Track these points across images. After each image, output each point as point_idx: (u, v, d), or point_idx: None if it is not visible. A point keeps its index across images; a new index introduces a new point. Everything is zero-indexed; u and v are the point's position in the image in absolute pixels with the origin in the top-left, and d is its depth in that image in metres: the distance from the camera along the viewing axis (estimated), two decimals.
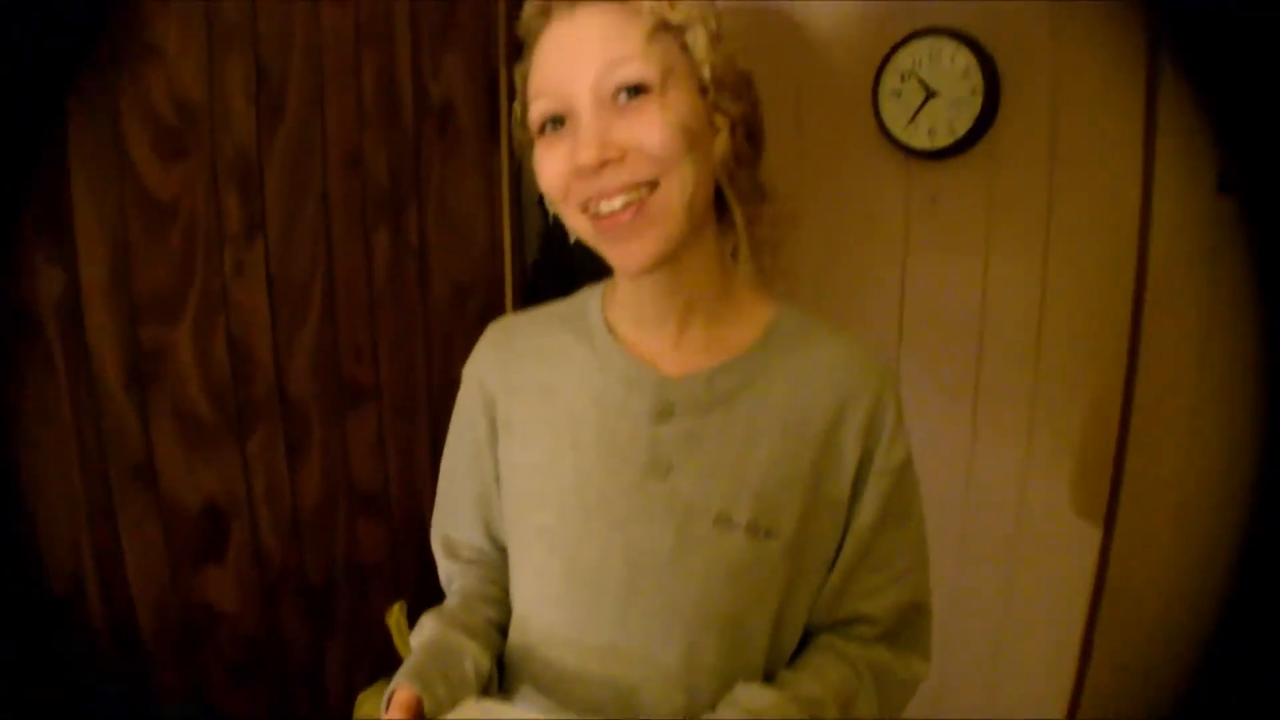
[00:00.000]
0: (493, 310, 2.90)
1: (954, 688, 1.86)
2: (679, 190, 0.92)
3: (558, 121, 0.94)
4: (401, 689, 0.98)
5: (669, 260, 0.96)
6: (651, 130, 0.89)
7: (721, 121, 0.96)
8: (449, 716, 0.98)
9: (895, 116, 1.81)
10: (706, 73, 0.94)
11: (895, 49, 1.80)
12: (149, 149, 2.15)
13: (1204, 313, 1.54)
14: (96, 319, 2.11)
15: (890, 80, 1.81)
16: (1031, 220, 1.71)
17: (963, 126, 1.72)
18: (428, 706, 0.97)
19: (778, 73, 2.06)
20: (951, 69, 1.73)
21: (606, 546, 1.03)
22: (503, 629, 1.18)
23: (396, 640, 2.59)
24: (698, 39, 0.93)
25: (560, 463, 1.08)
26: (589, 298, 1.17)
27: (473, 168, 2.79)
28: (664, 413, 1.02)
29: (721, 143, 0.96)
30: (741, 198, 1.03)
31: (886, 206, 1.88)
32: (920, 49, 1.77)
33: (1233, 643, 1.43)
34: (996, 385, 1.80)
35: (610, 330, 1.10)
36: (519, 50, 1.04)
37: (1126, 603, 1.68)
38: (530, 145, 1.01)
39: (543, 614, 1.10)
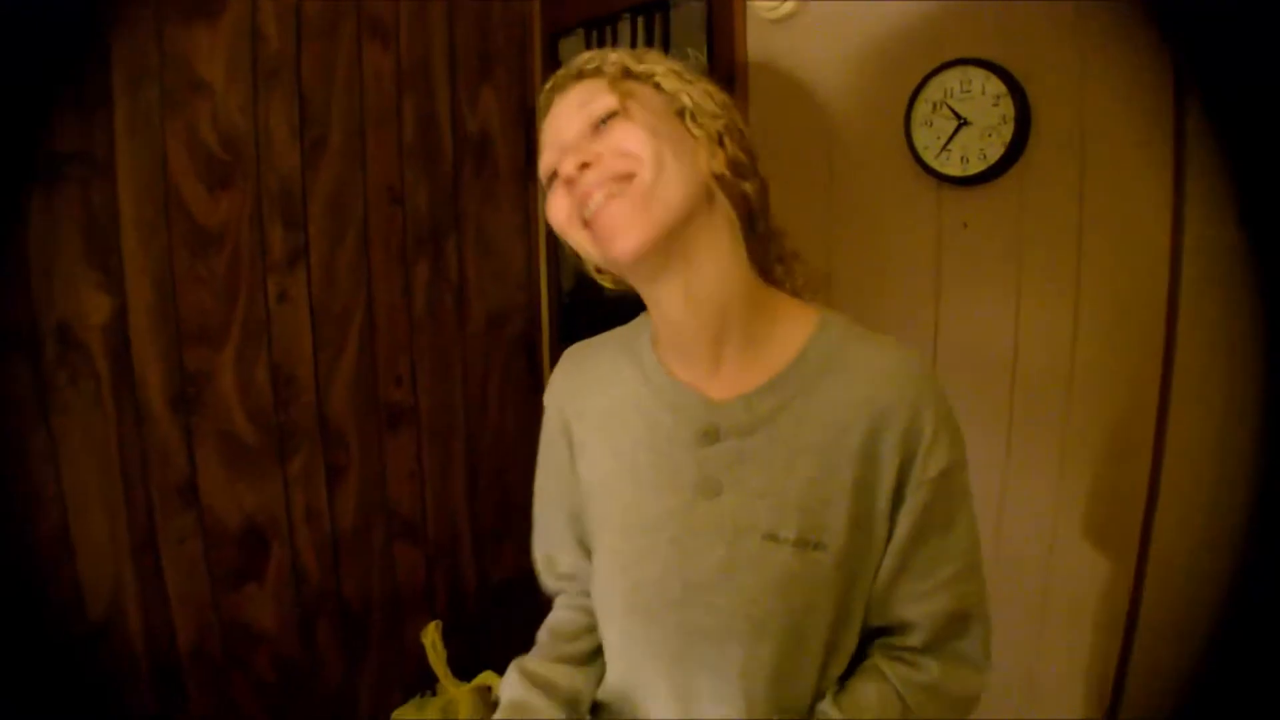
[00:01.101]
0: (528, 339, 2.95)
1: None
2: (652, 176, 0.98)
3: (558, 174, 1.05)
4: None
5: (662, 251, 1.02)
6: (618, 135, 1.00)
7: (699, 132, 1.04)
8: None
9: (927, 144, 1.82)
10: (681, 100, 1.05)
11: (927, 79, 1.82)
12: (195, 179, 2.23)
13: (1236, 338, 1.53)
14: (142, 343, 2.18)
15: (922, 109, 1.83)
16: (1062, 245, 1.71)
17: (994, 154, 1.73)
18: None
19: (811, 101, 2.09)
20: (982, 98, 1.74)
21: (665, 565, 1.08)
22: (597, 652, 1.27)
23: (431, 659, 2.61)
24: (667, 79, 1.06)
25: (620, 485, 1.16)
26: (643, 326, 1.23)
27: (509, 200, 2.85)
28: (709, 436, 1.08)
29: (704, 150, 1.04)
30: (745, 207, 1.10)
31: (919, 232, 1.89)
32: (951, 79, 1.78)
33: (1269, 674, 1.42)
34: (1029, 412, 1.79)
35: (658, 358, 1.17)
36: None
37: (1160, 634, 1.67)
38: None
39: (612, 629, 1.18)
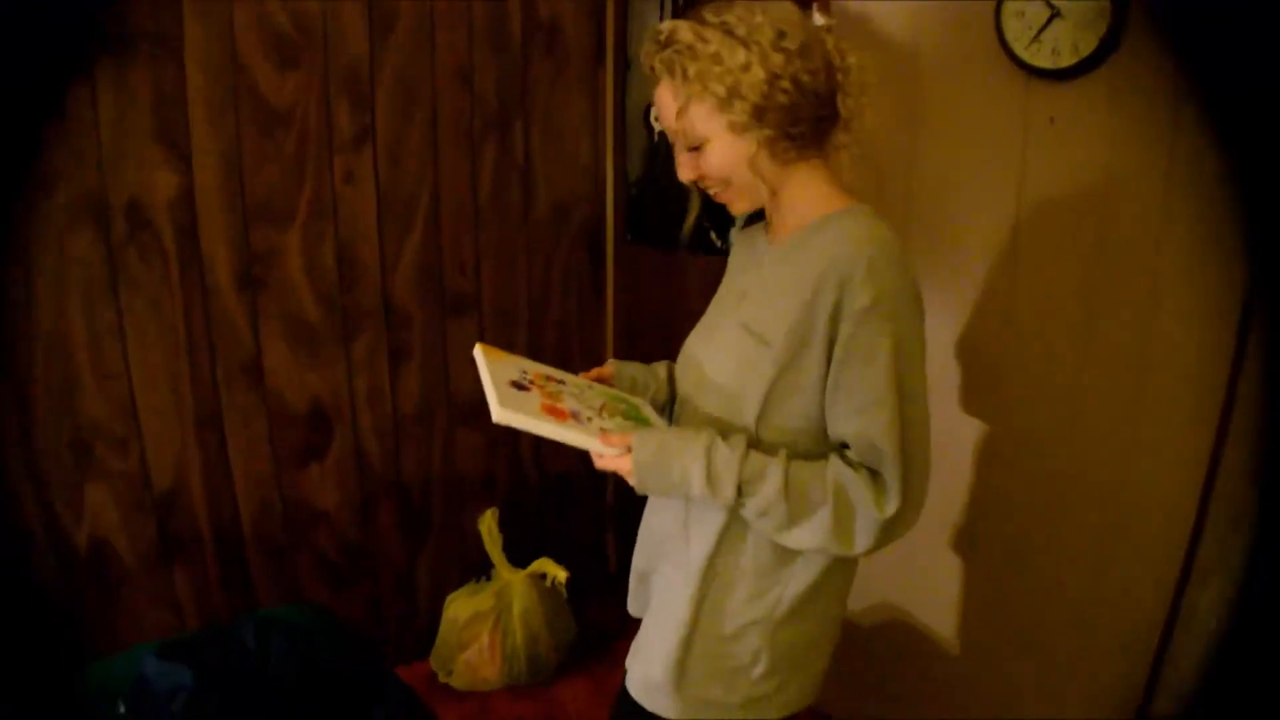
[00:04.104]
0: (593, 226, 2.93)
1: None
2: (740, 184, 1.41)
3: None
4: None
5: (760, 205, 1.46)
6: (707, 167, 1.40)
7: (755, 136, 1.35)
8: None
9: (1018, 34, 1.73)
10: (734, 118, 1.33)
11: None
12: (264, 58, 2.20)
13: None
14: (210, 221, 2.19)
15: None
16: (1153, 147, 1.64)
17: (1087, 47, 1.64)
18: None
19: None
20: None
21: (707, 324, 1.59)
22: None
23: (488, 545, 2.64)
24: (717, 80, 1.32)
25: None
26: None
27: (578, 87, 2.79)
28: (757, 265, 1.51)
29: (751, 141, 1.36)
30: (798, 156, 1.41)
31: (1005, 125, 1.82)
32: None
33: None
34: (1110, 310, 1.75)
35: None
36: None
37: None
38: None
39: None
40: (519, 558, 2.71)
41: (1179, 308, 1.66)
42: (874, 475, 1.31)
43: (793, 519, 1.33)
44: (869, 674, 2.37)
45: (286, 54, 2.23)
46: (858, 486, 1.29)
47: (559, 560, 2.67)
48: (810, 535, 1.33)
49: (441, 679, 2.68)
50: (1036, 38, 1.74)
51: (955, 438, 2.06)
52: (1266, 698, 1.43)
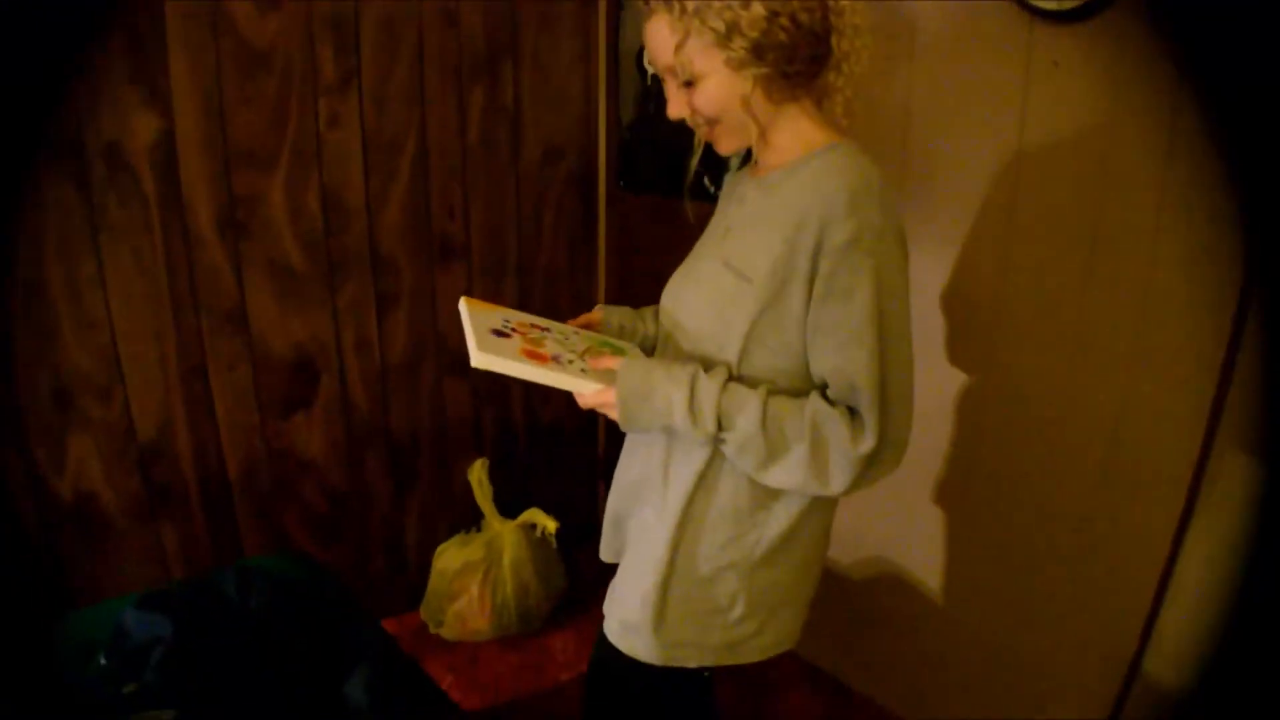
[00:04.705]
0: (585, 172, 2.88)
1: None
2: (730, 123, 1.39)
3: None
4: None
5: (748, 145, 1.45)
6: (699, 104, 1.37)
7: (752, 73, 1.33)
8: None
9: None
10: (731, 54, 1.31)
11: None
12: None
13: None
14: (191, 165, 2.14)
15: None
16: (1158, 91, 1.60)
17: None
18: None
19: None
20: None
21: (690, 262, 1.59)
22: None
23: (477, 495, 2.62)
24: (713, 38, 1.30)
25: None
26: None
27: (569, 29, 2.72)
28: (741, 200, 1.50)
29: (746, 78, 1.33)
30: (790, 95, 1.40)
31: (1006, 69, 1.77)
32: None
33: None
34: (1109, 257, 1.71)
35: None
36: None
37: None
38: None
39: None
40: (509, 508, 2.70)
41: (1181, 256, 1.63)
42: (852, 413, 1.32)
43: (771, 455, 1.34)
44: (859, 627, 2.37)
45: None
46: (834, 422, 1.30)
47: (549, 510, 2.67)
48: (789, 473, 1.35)
49: (432, 630, 2.67)
50: None
51: (947, 386, 2.03)
52: (1258, 655, 1.43)
